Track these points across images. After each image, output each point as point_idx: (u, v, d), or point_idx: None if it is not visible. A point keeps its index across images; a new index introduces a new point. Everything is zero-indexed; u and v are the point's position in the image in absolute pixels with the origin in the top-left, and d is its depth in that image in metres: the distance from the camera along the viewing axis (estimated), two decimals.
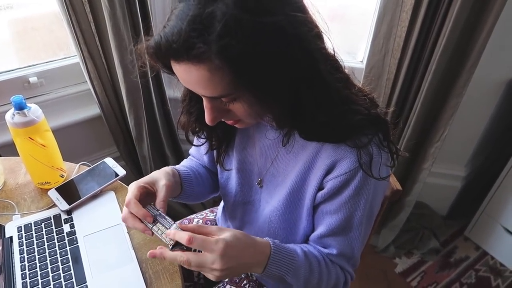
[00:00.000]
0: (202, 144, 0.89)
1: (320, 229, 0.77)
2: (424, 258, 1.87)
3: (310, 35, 0.59)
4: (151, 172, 1.69)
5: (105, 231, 0.89)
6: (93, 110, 1.60)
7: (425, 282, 1.77)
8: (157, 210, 0.72)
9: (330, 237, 0.77)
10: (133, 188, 0.75)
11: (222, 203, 1.09)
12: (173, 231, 0.65)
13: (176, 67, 0.59)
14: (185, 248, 0.64)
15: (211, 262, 0.62)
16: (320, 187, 0.74)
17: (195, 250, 0.64)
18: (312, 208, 0.77)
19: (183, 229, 0.65)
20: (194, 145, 0.92)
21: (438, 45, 1.31)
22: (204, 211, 1.21)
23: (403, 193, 1.67)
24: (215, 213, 1.19)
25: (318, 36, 0.61)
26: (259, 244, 0.69)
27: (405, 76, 1.41)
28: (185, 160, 1.03)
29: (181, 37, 0.54)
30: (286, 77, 0.58)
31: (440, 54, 1.31)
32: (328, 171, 0.71)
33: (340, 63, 0.68)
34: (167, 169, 0.85)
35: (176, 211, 1.84)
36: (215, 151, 0.90)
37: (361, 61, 1.60)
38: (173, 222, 0.69)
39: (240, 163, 0.87)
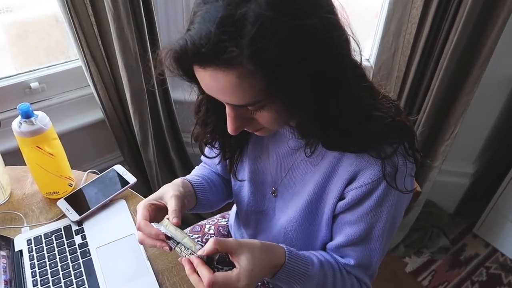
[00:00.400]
0: (216, 156, 0.86)
1: (339, 239, 0.75)
2: (434, 256, 1.85)
3: (341, 39, 0.56)
4: (156, 177, 1.66)
5: (118, 242, 0.86)
6: (96, 114, 1.57)
7: (436, 281, 1.76)
8: (170, 225, 0.68)
9: (349, 248, 0.74)
10: (140, 208, 0.72)
11: (234, 208, 1.06)
12: (196, 261, 0.62)
13: (201, 73, 0.55)
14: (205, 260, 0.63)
15: None
16: (341, 197, 0.71)
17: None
18: (332, 217, 0.75)
19: (220, 245, 0.62)
20: (207, 157, 0.88)
21: (449, 42, 1.29)
22: (216, 217, 1.18)
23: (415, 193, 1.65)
24: (226, 219, 1.16)
25: (347, 41, 0.58)
26: (276, 257, 0.67)
27: (415, 74, 1.39)
28: (196, 168, 1.00)
29: (210, 40, 0.50)
30: (317, 83, 0.55)
31: (451, 51, 1.29)
32: (350, 181, 0.69)
33: (364, 69, 0.65)
34: (177, 181, 0.83)
35: (187, 217, 1.81)
36: (228, 161, 0.87)
37: (368, 59, 1.57)
38: (186, 235, 0.66)
39: (252, 173, 0.85)
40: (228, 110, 0.61)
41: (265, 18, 0.48)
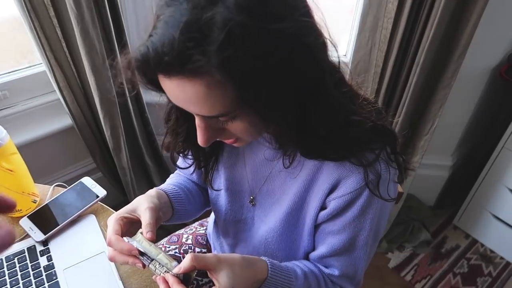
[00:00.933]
0: (190, 166, 0.81)
1: (322, 249, 0.72)
2: (416, 251, 1.86)
3: (318, 43, 0.52)
4: (131, 183, 1.60)
5: (87, 261, 0.81)
6: (65, 121, 1.49)
7: (419, 275, 1.76)
8: (144, 240, 0.64)
9: (332, 258, 0.72)
10: (111, 222, 0.66)
11: (212, 216, 1.02)
12: (172, 280, 0.58)
13: (166, 83, 0.50)
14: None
15: None
16: (322, 207, 0.68)
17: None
18: (314, 227, 0.72)
19: (199, 261, 0.58)
20: (180, 167, 0.84)
21: (425, 36, 1.27)
22: (193, 225, 1.13)
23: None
24: (205, 227, 1.11)
25: (324, 44, 0.54)
26: (257, 272, 0.63)
27: (393, 69, 1.36)
28: (171, 176, 0.95)
29: (174, 48, 0.44)
30: (292, 92, 0.51)
31: (428, 45, 1.27)
32: (331, 190, 0.65)
33: (344, 73, 0.61)
34: (151, 191, 0.78)
35: (164, 227, 1.75)
36: (203, 170, 0.82)
37: (345, 55, 1.55)
38: (162, 251, 0.62)
39: (228, 182, 0.80)
40: (197, 121, 0.57)
41: (234, 23, 0.43)
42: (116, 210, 0.71)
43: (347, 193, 0.64)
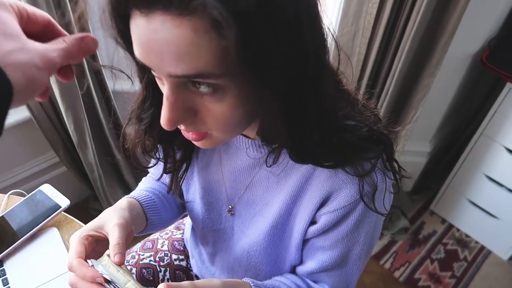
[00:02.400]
0: (154, 165, 0.72)
1: (311, 265, 0.66)
2: (395, 238, 1.86)
3: (322, 28, 0.44)
4: (99, 179, 1.48)
5: (51, 284, 0.72)
6: (22, 113, 1.35)
7: (398, 262, 1.76)
8: (111, 264, 0.55)
9: (323, 273, 0.66)
10: (74, 242, 0.57)
11: (190, 221, 0.94)
12: None
13: (140, 23, 0.39)
14: None
15: None
16: (312, 221, 0.62)
17: None
18: (302, 241, 0.65)
19: None
20: (143, 167, 0.73)
21: (410, 23, 1.21)
22: (169, 229, 1.05)
23: None
24: (181, 231, 1.04)
25: (323, 37, 0.45)
26: None
27: (376, 57, 1.31)
28: (144, 179, 0.86)
29: None
30: (294, 66, 0.41)
31: (413, 33, 1.21)
32: (322, 204, 0.59)
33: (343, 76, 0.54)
34: (121, 202, 0.69)
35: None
36: (169, 177, 0.73)
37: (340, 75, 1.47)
38: (131, 277, 0.54)
39: (203, 190, 0.72)
40: (167, 90, 0.44)
41: None
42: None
43: (340, 207, 0.57)
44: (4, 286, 0.71)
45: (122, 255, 0.55)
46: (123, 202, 0.69)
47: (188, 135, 0.50)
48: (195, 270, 0.94)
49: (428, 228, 1.93)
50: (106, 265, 0.55)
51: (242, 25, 0.35)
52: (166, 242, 1.00)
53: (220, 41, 0.37)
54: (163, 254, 0.97)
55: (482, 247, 1.86)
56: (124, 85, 0.56)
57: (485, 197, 1.75)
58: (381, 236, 1.86)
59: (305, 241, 0.66)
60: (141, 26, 0.39)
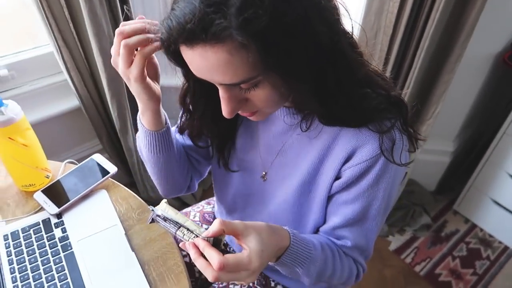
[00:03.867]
0: (207, 146, 0.82)
1: (334, 220, 0.73)
2: (416, 234, 1.89)
3: (330, 5, 0.54)
4: (137, 165, 1.61)
5: (100, 234, 0.83)
6: (72, 102, 1.50)
7: (419, 257, 1.79)
8: (169, 208, 0.65)
9: (345, 228, 0.73)
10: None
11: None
12: (202, 244, 0.57)
13: (189, 54, 0.53)
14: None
15: (246, 277, 0.58)
16: (337, 177, 0.70)
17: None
18: (327, 198, 0.73)
19: (227, 225, 0.57)
20: (200, 146, 0.84)
21: (430, 20, 1.28)
22: (201, 203, 1.15)
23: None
24: (212, 205, 1.14)
25: (335, 7, 0.56)
26: (280, 239, 0.64)
27: (397, 53, 1.38)
28: None
29: (195, 15, 0.47)
30: (311, 51, 0.52)
31: (433, 30, 1.28)
32: (347, 159, 0.67)
33: (355, 39, 0.63)
34: None
35: (171, 204, 1.78)
36: (217, 153, 0.84)
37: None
38: (188, 218, 0.63)
39: (240, 159, 0.82)
40: (221, 92, 0.58)
41: None
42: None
43: (363, 161, 0.65)
44: (63, 233, 0.83)
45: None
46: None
47: (244, 114, 0.64)
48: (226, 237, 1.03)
49: (450, 226, 1.95)
50: (164, 210, 0.64)
51: (259, 41, 0.49)
52: (198, 214, 1.10)
53: (249, 55, 0.50)
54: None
55: (506, 247, 1.86)
56: (163, 79, 0.70)
57: (509, 196, 1.76)
58: (403, 231, 1.90)
59: (329, 198, 0.73)
60: (189, 55, 0.53)
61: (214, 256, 0.55)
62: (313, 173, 0.72)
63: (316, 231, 0.79)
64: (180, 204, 1.80)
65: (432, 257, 1.80)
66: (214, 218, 1.09)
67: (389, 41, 1.36)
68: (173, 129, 0.84)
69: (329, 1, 0.54)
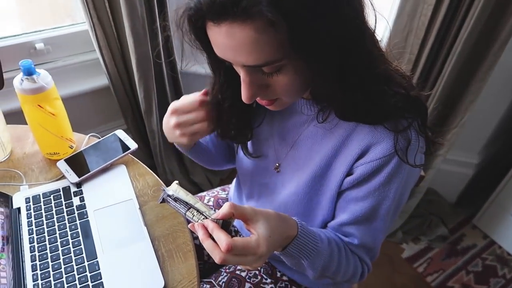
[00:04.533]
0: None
1: (343, 217, 0.73)
2: (432, 244, 1.85)
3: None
4: (158, 147, 1.64)
5: (116, 206, 0.86)
6: (101, 80, 1.55)
7: (431, 268, 1.76)
8: (180, 189, 0.66)
9: (353, 226, 0.73)
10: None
11: (234, 182, 1.05)
12: (211, 226, 0.58)
13: (215, 31, 0.53)
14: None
15: (253, 262, 0.58)
16: (348, 172, 0.69)
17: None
18: (337, 194, 0.73)
19: (234, 209, 0.58)
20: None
21: (464, 26, 1.25)
22: (215, 189, 1.17)
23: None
24: (226, 192, 1.15)
25: (361, 3, 0.56)
26: (289, 228, 0.64)
27: (427, 57, 1.35)
28: None
29: None
30: (337, 40, 0.52)
31: (466, 36, 1.25)
32: (361, 155, 0.66)
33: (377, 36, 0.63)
34: None
35: (186, 187, 1.80)
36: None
37: (380, 40, 1.53)
38: (199, 200, 0.64)
39: (255, 148, 0.83)
40: (242, 75, 0.59)
41: None
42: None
43: (376, 159, 0.64)
44: (80, 202, 0.86)
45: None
46: None
47: (262, 102, 0.65)
48: (235, 223, 1.04)
49: (468, 240, 1.90)
50: (175, 190, 0.66)
51: (290, 21, 0.48)
52: (212, 199, 1.12)
53: (276, 35, 0.50)
54: None
55: None
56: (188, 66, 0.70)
57: None
58: (418, 240, 1.87)
59: (339, 194, 0.73)
60: (215, 32, 0.53)
61: (222, 237, 0.56)
62: (325, 168, 0.72)
63: (325, 226, 0.79)
64: (196, 190, 1.83)
65: (446, 269, 1.77)
66: None
67: (420, 44, 1.34)
68: None
69: None
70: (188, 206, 0.64)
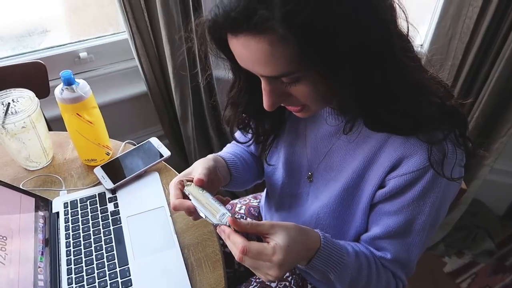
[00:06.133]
0: (249, 141, 0.83)
1: (375, 230, 0.70)
2: (476, 259, 1.75)
3: (385, 4, 0.52)
4: (194, 152, 1.67)
5: (148, 213, 0.88)
6: (140, 87, 1.60)
7: (476, 284, 1.66)
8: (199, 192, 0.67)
9: (386, 240, 0.70)
10: (172, 189, 0.70)
11: (265, 191, 1.04)
12: (228, 230, 0.59)
13: (233, 42, 0.54)
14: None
15: (267, 268, 0.57)
16: (381, 185, 0.66)
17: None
18: (369, 206, 0.70)
19: (236, 226, 0.59)
20: (238, 141, 0.87)
21: None
22: (247, 197, 1.17)
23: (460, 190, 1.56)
24: (258, 200, 1.15)
25: (392, 7, 0.53)
26: (310, 240, 0.62)
27: (473, 62, 1.28)
28: (228, 145, 0.99)
29: (240, 4, 0.48)
30: (356, 51, 0.51)
31: None
32: (393, 168, 0.64)
33: (412, 44, 0.59)
34: (209, 156, 0.81)
35: (220, 194, 1.82)
36: (260, 145, 0.85)
37: (421, 45, 1.47)
38: (221, 206, 0.64)
39: (287, 157, 0.82)
40: (263, 84, 0.59)
41: None
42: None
43: (409, 172, 0.62)
44: (115, 208, 0.89)
45: (201, 179, 0.68)
46: (210, 156, 0.82)
47: (291, 108, 0.64)
48: None
49: None
50: (191, 190, 0.67)
51: (299, 36, 0.48)
52: (244, 207, 1.12)
53: (289, 49, 0.50)
54: (239, 216, 1.09)
55: None
56: (223, 73, 0.71)
57: None
58: (461, 254, 1.77)
59: (372, 207, 0.71)
60: (233, 43, 0.54)
61: (238, 240, 0.57)
62: (358, 179, 0.69)
63: (358, 239, 0.77)
64: (231, 196, 1.83)
65: (492, 287, 1.66)
66: (259, 212, 1.10)
67: (465, 49, 1.27)
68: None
69: (383, 0, 0.52)
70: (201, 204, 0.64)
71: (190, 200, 0.66)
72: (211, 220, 0.63)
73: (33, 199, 0.85)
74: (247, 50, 0.52)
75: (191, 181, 0.71)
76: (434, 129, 0.60)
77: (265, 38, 0.49)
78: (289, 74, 0.54)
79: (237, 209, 1.11)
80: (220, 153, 0.91)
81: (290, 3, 0.46)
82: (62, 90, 0.86)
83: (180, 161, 1.77)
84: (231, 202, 1.14)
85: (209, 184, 0.71)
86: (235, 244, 0.57)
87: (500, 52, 1.23)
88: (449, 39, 1.30)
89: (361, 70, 0.53)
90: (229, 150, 0.93)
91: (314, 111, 0.65)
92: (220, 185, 0.78)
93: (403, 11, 0.55)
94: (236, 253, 0.57)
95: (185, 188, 0.69)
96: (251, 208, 1.11)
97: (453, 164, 0.61)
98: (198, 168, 0.72)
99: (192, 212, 0.67)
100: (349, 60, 0.51)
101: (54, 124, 1.38)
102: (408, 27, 0.57)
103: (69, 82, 0.85)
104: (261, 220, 1.08)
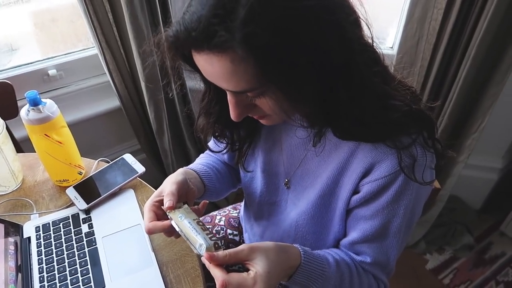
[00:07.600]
0: (224, 149, 0.82)
1: (353, 235, 0.71)
2: (457, 254, 1.78)
3: (348, 22, 0.52)
4: (172, 165, 1.64)
5: (124, 232, 0.86)
6: (113, 102, 1.57)
7: (458, 279, 1.69)
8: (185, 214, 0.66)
9: (364, 244, 0.71)
10: (146, 211, 0.70)
11: (243, 202, 1.04)
12: (207, 262, 0.59)
13: (197, 58, 0.53)
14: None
15: None
16: (355, 191, 0.67)
17: None
18: (346, 211, 0.71)
19: (214, 261, 0.59)
20: (212, 150, 0.86)
21: (478, 29, 1.20)
22: (227, 208, 1.16)
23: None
24: (238, 210, 1.14)
25: (356, 23, 0.54)
26: (291, 258, 0.63)
27: (441, 62, 1.31)
28: (201, 156, 0.98)
29: (200, 24, 0.48)
30: (318, 70, 0.51)
31: (480, 38, 1.20)
32: (365, 174, 0.64)
33: (379, 53, 0.60)
34: (179, 170, 0.80)
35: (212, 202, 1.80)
36: (236, 152, 0.84)
37: (391, 47, 1.50)
38: (199, 235, 0.63)
39: (265, 164, 0.81)
40: (228, 96, 0.59)
41: (256, 0, 0.45)
42: (157, 188, 0.74)
43: (381, 178, 0.63)
44: (89, 229, 0.86)
45: (172, 201, 0.66)
46: (181, 170, 0.81)
47: (255, 117, 0.65)
48: (247, 243, 1.03)
49: (496, 249, 1.82)
50: (179, 216, 0.65)
51: (258, 56, 0.48)
52: (223, 218, 1.11)
53: (250, 67, 0.50)
54: (219, 228, 1.08)
55: None
56: (197, 83, 0.70)
57: None
58: (442, 250, 1.80)
59: (348, 212, 0.71)
60: (197, 58, 0.54)
61: (218, 274, 0.57)
62: (332, 185, 0.70)
63: (337, 243, 0.77)
64: (212, 206, 1.82)
65: (473, 280, 1.69)
66: (239, 223, 1.09)
67: (432, 50, 1.30)
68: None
69: (348, 16, 0.52)
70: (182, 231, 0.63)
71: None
72: (190, 240, 0.62)
73: (2, 225, 0.82)
74: (210, 66, 0.52)
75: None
76: (402, 135, 0.60)
77: (227, 56, 0.49)
78: (252, 90, 0.54)
79: (216, 221, 1.10)
80: (191, 165, 0.90)
81: (250, 25, 0.46)
82: (28, 111, 0.84)
83: (159, 175, 1.75)
84: (210, 214, 1.13)
85: (182, 198, 0.70)
86: (215, 277, 0.57)
87: (466, 51, 1.26)
88: (417, 40, 1.32)
89: (325, 87, 0.53)
90: (201, 162, 0.93)
91: (276, 121, 0.66)
92: (195, 197, 0.77)
93: (366, 24, 0.55)
94: (217, 286, 0.57)
95: (168, 215, 0.67)
96: (231, 219, 1.10)
97: (423, 167, 0.62)
98: (167, 186, 0.71)
99: (171, 232, 0.67)
100: (311, 79, 0.52)
101: (25, 144, 1.34)
102: (372, 39, 0.57)
103: (35, 103, 0.83)
104: (242, 231, 1.07)
